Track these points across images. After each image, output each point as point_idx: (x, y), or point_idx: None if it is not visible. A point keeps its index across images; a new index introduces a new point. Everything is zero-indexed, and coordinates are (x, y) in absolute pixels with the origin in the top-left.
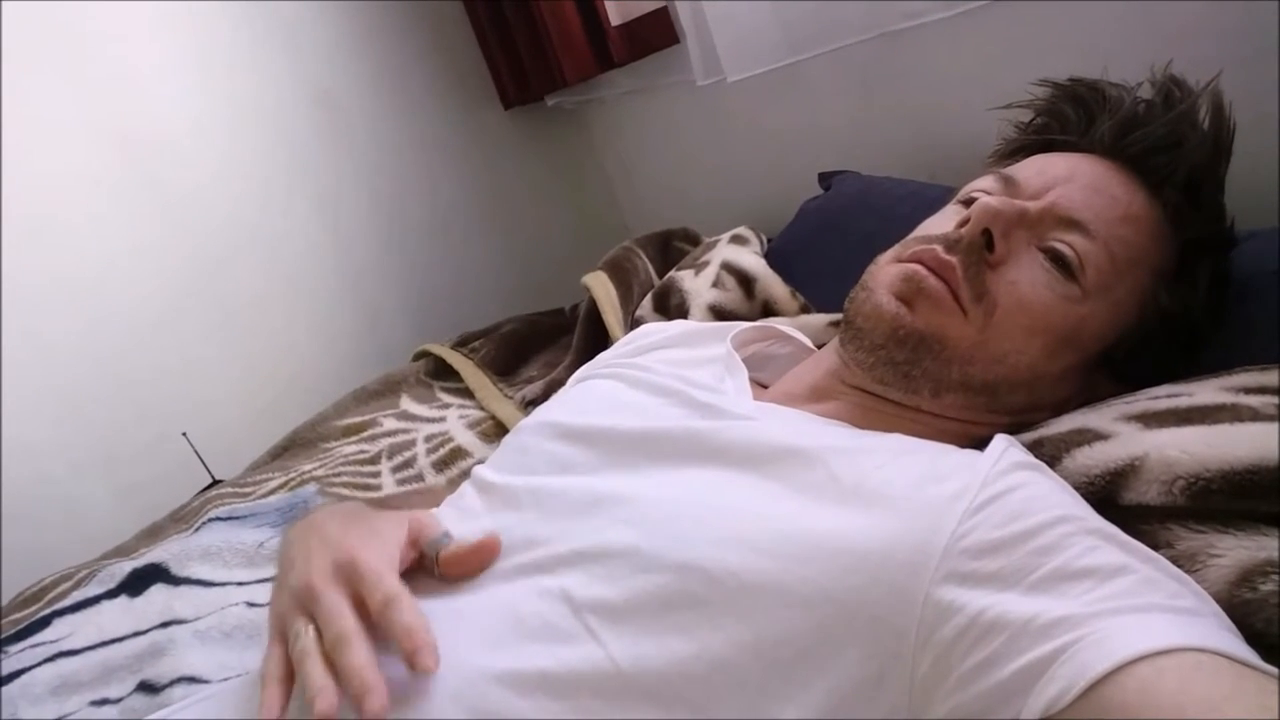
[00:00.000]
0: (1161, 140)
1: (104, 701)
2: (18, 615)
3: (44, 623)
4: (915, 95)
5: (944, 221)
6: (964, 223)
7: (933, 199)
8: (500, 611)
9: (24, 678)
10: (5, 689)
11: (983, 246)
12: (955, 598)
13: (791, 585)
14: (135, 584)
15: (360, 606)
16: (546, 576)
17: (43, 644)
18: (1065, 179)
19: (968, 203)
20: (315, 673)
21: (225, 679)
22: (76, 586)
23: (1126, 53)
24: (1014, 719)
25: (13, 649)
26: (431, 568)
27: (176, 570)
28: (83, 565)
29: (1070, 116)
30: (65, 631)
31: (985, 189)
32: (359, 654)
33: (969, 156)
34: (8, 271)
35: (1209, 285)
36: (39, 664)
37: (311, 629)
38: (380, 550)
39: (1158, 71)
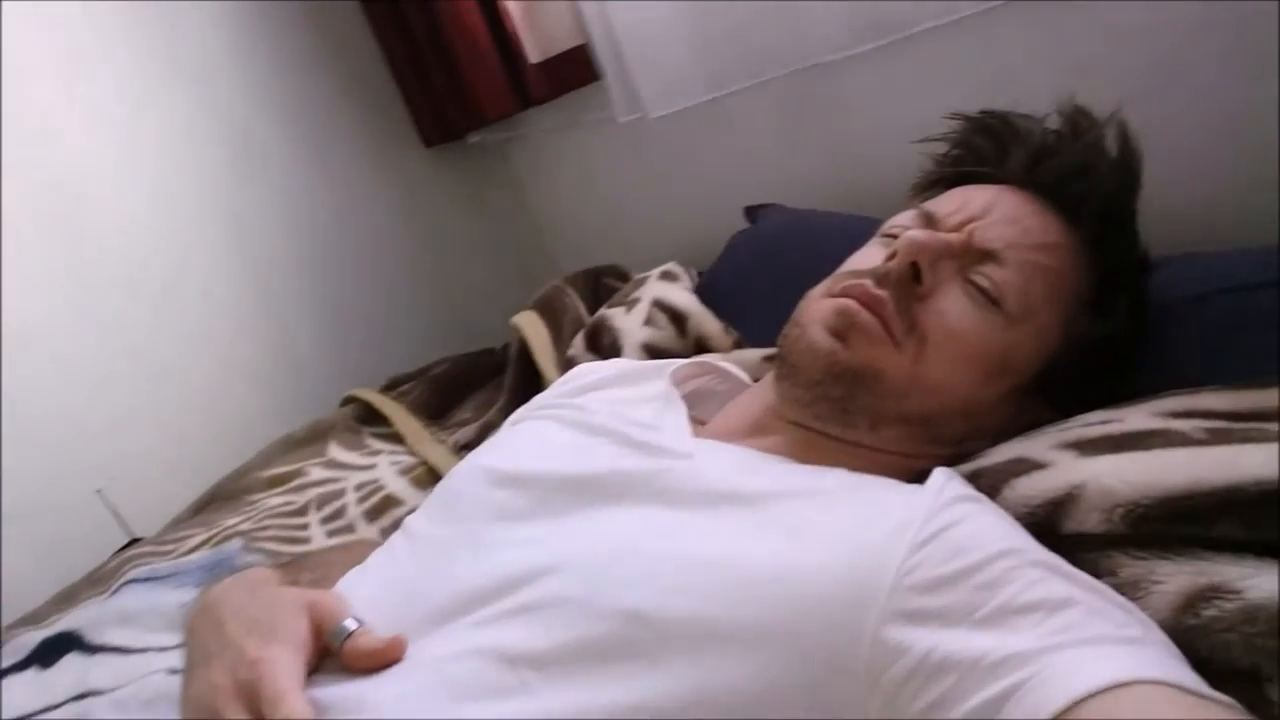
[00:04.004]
0: (1073, 169)
1: None
2: None
3: None
4: (836, 128)
5: (871, 256)
6: (891, 256)
7: (859, 231)
8: (433, 674)
9: None
10: None
11: (911, 279)
12: (903, 638)
13: (734, 630)
14: (46, 655)
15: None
16: (479, 632)
17: None
18: (982, 212)
19: (892, 237)
20: None
21: None
22: None
23: (1036, 83)
24: None
25: None
26: (336, 656)
27: (92, 638)
28: None
29: (984, 149)
30: None
31: (905, 224)
32: None
33: (892, 188)
34: None
35: (1129, 310)
36: None
37: None
38: (283, 656)
39: (1063, 102)
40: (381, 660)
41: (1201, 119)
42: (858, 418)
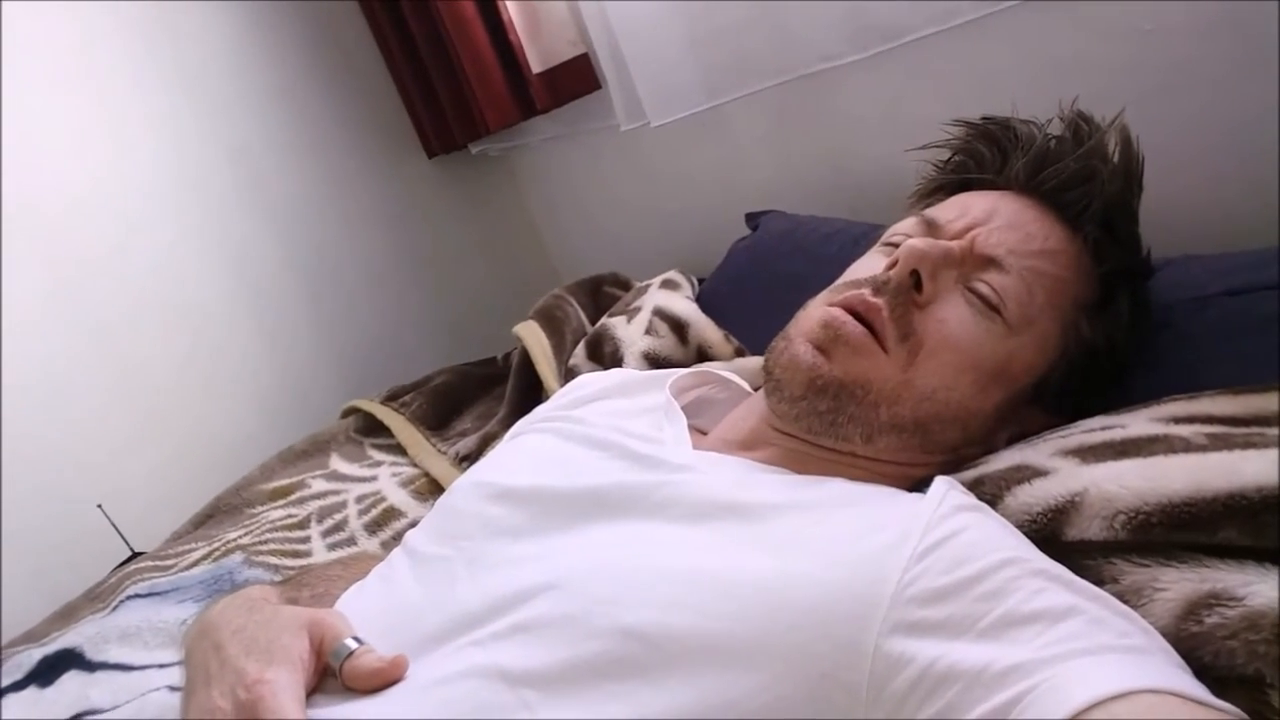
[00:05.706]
0: (1075, 175)
1: None
2: None
3: None
4: (830, 135)
5: (872, 264)
6: (893, 265)
7: (857, 235)
8: (433, 694)
9: None
10: None
11: (911, 288)
12: (905, 649)
13: (735, 645)
14: (46, 673)
15: None
16: (478, 651)
17: None
18: (985, 219)
19: (894, 245)
20: None
21: None
22: None
23: (1029, 88)
24: None
25: None
26: (336, 675)
27: (92, 655)
28: None
29: (985, 155)
30: None
31: (907, 232)
32: None
33: (886, 193)
34: None
35: (1130, 315)
36: None
37: None
38: (283, 677)
39: (1065, 107)
40: (382, 680)
41: (1199, 122)
42: (850, 429)
